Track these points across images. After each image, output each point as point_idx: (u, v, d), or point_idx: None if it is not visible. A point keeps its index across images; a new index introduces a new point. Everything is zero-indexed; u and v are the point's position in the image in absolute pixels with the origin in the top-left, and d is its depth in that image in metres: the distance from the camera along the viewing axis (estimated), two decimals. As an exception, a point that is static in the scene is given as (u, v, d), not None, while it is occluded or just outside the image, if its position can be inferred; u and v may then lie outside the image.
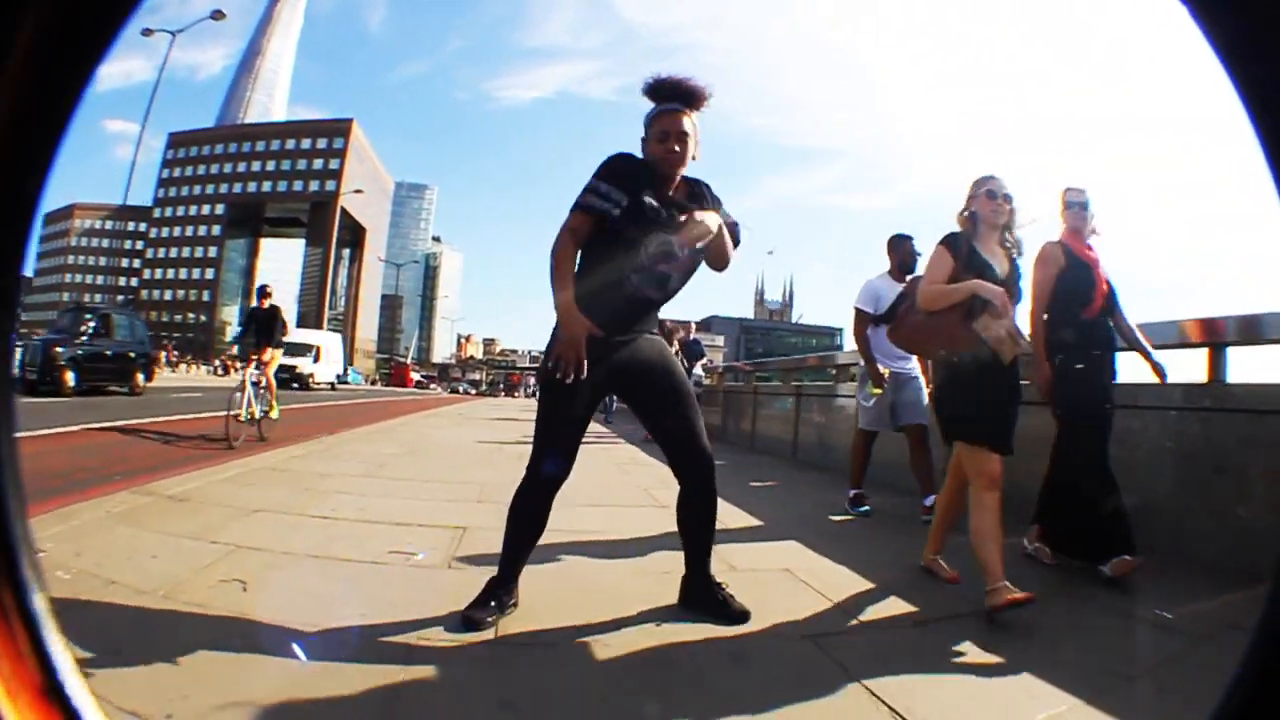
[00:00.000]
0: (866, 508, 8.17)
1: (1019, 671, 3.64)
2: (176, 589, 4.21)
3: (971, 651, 3.92)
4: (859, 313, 8.15)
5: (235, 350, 16.48)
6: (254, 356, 13.56)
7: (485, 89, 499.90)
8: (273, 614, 3.88)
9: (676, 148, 4.01)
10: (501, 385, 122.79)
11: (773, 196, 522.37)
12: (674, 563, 4.46)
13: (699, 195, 4.17)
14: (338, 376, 65.59)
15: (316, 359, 57.46)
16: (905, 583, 5.18)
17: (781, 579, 5.16)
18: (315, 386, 55.30)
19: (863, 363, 8.30)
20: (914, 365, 8.18)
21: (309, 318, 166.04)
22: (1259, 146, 1.10)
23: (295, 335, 60.51)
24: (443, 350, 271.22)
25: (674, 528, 4.36)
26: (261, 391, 13.45)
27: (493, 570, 4.14)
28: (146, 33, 47.85)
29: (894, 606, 4.68)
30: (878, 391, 8.05)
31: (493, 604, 3.96)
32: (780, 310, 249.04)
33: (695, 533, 4.28)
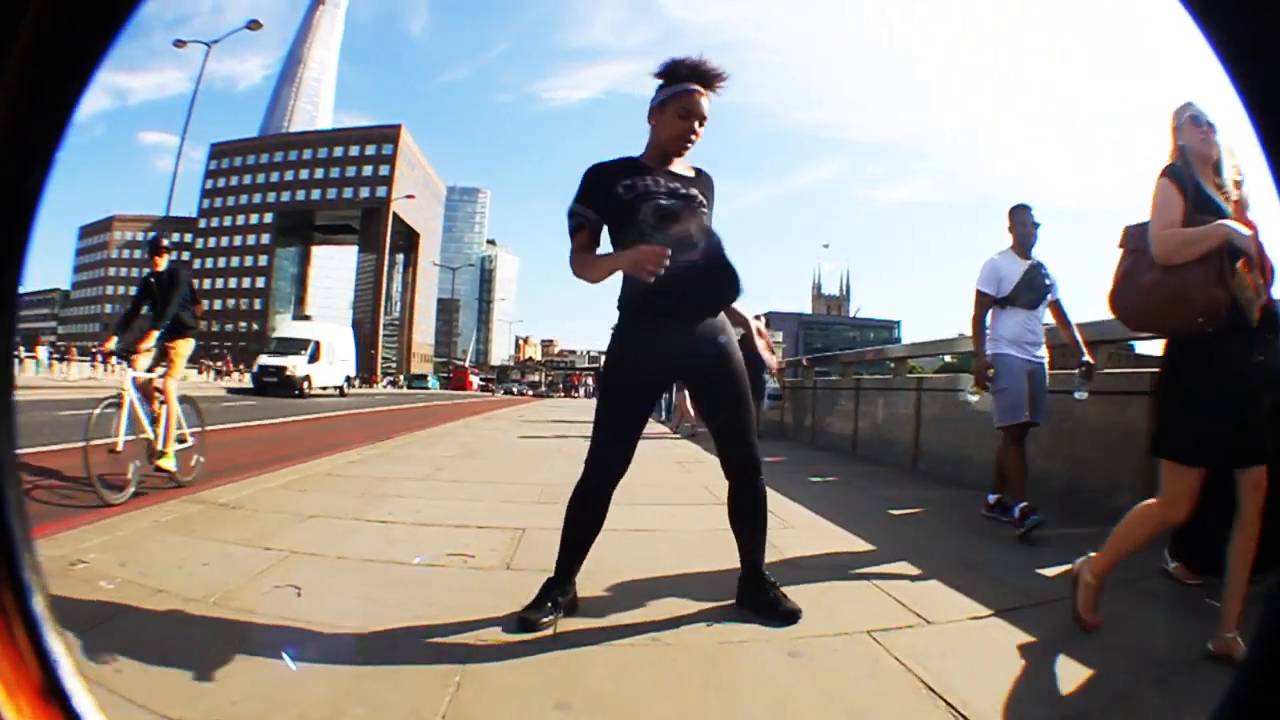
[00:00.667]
0: (1036, 517, 6.49)
1: (1073, 664, 3.62)
2: (228, 596, 4.23)
3: (1030, 646, 3.88)
4: (979, 296, 7.25)
5: (112, 343, 8.70)
6: (140, 351, 8.46)
7: (531, 91, 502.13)
8: (327, 619, 3.92)
9: (698, 126, 4.06)
10: (560, 385, 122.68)
11: (823, 189, 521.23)
12: (735, 559, 4.36)
13: (703, 182, 4.21)
14: (348, 379, 51.36)
15: (315, 358, 44.56)
16: (968, 579, 5.09)
17: (841, 574, 5.13)
18: (311, 393, 42.53)
19: (994, 353, 7.14)
20: (1044, 353, 7.21)
21: (364, 324, 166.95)
22: (1259, 146, 1.11)
23: (288, 328, 54.68)
24: (501, 353, 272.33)
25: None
26: (159, 411, 8.42)
27: (550, 571, 4.12)
28: (179, 44, 48.03)
29: (953, 600, 4.62)
30: (978, 394, 7.25)
31: (549, 605, 3.96)
32: (838, 302, 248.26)
33: (744, 531, 4.27)
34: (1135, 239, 4.19)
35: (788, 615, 4.08)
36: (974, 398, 7.39)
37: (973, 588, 4.82)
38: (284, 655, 3.40)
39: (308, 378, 42.86)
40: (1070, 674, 3.53)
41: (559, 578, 4.07)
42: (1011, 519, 6.68)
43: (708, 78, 4.04)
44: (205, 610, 3.97)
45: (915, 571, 5.26)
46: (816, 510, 7.45)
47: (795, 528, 6.64)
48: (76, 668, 1.18)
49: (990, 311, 7.24)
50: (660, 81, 4.11)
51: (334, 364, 47.73)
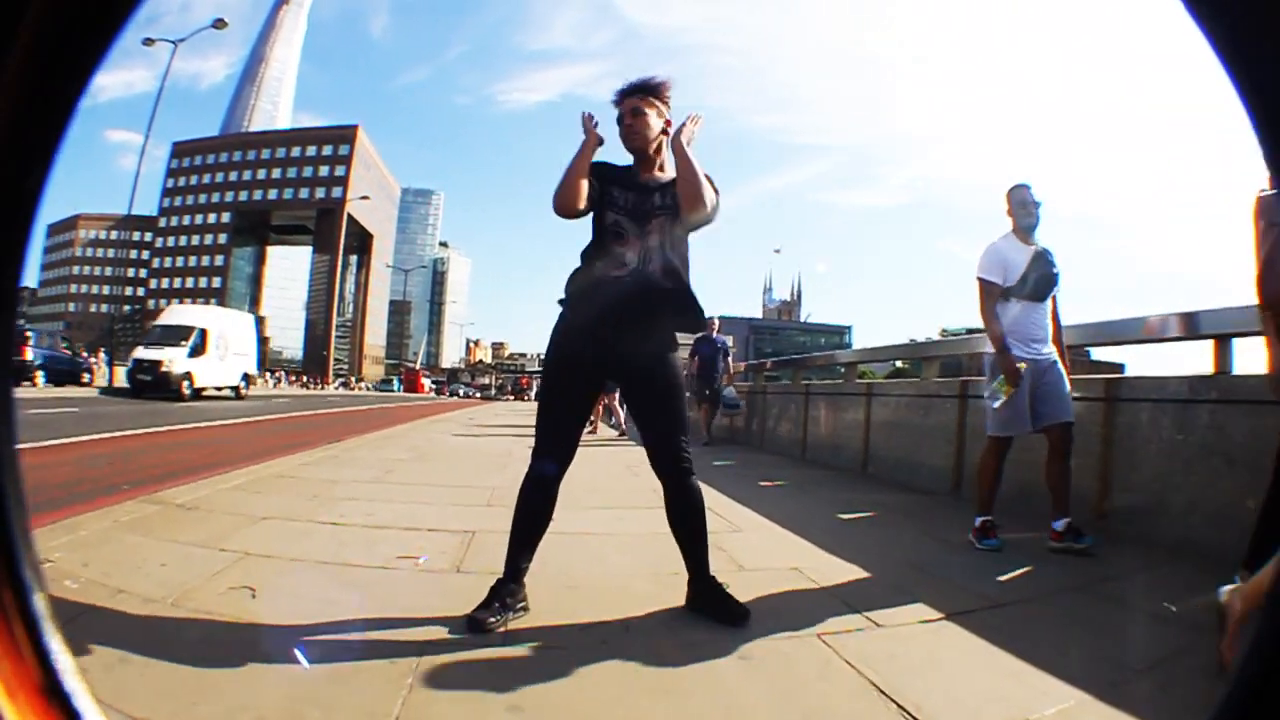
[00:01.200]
0: (996, 540, 6.31)
1: (1030, 667, 3.61)
2: (185, 596, 4.22)
3: (982, 648, 3.89)
4: (985, 286, 6.53)
5: None
6: None
7: (488, 93, 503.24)
8: (281, 619, 3.94)
9: (628, 122, 4.33)
10: (510, 388, 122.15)
11: (775, 193, 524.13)
12: (682, 564, 4.40)
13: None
14: (246, 378, 40.01)
15: (199, 350, 34.78)
16: (919, 583, 5.15)
17: (790, 578, 5.14)
18: (193, 396, 33.43)
19: (990, 351, 6.60)
20: (1052, 350, 6.59)
21: (317, 325, 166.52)
22: (1259, 146, 1.09)
23: (171, 314, 41.08)
24: (452, 355, 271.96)
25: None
26: None
27: (501, 573, 4.15)
28: (148, 42, 47.77)
29: (903, 604, 4.61)
30: (1008, 391, 6.37)
31: (497, 605, 3.98)
32: (788, 308, 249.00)
33: (683, 533, 4.32)
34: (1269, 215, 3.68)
35: (737, 616, 4.11)
36: (999, 401, 6.49)
37: (923, 591, 4.84)
38: (240, 656, 3.39)
39: (188, 375, 33.26)
40: (1025, 677, 3.54)
41: (507, 577, 4.11)
42: (1075, 544, 6.11)
43: (631, 88, 4.38)
44: (164, 610, 3.98)
45: (865, 575, 5.27)
46: (766, 514, 7.48)
47: (744, 531, 6.70)
48: (76, 667, 1.19)
49: (998, 303, 6.54)
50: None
51: (226, 359, 37.25)
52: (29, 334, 40.79)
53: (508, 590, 4.06)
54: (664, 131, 4.40)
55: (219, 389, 36.77)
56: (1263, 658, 1.09)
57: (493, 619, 3.89)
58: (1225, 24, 1.12)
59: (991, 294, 6.50)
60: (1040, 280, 6.55)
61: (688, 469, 4.26)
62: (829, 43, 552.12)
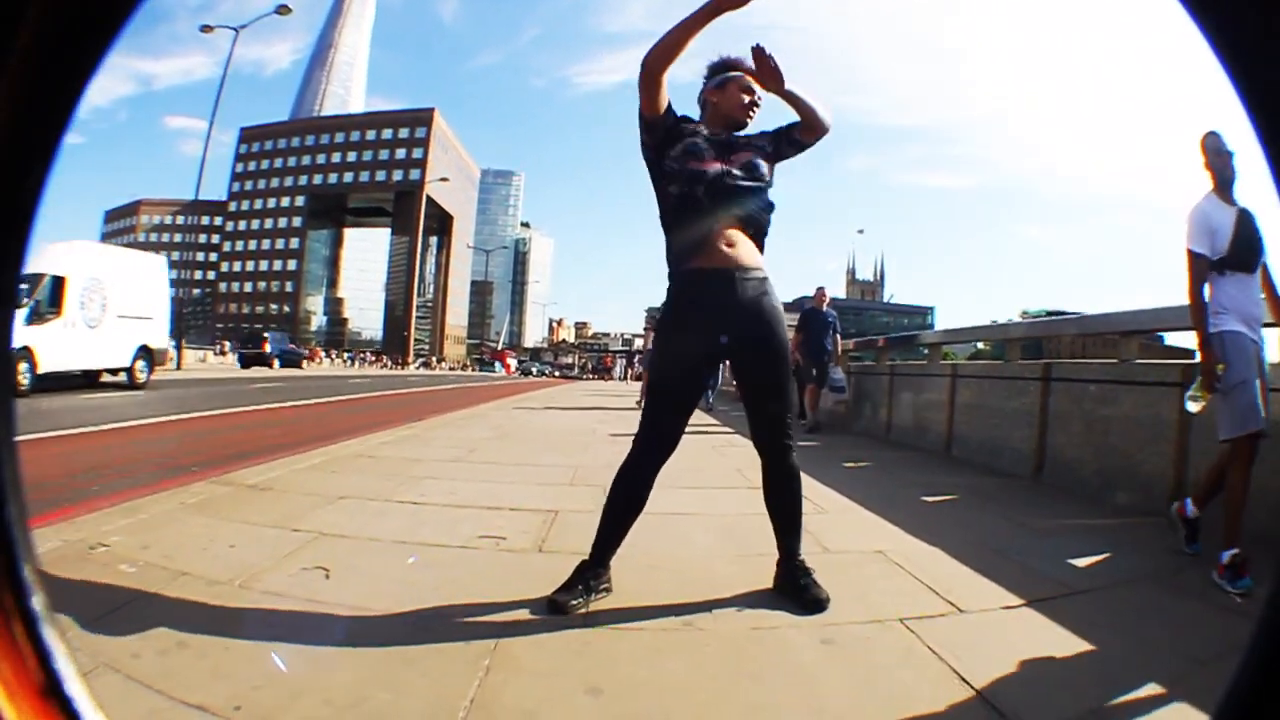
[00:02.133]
0: (1249, 580, 4.76)
1: (1102, 656, 3.62)
2: (254, 578, 4.23)
3: (1057, 635, 3.86)
4: (1194, 260, 5.38)
5: None
6: None
7: (564, 75, 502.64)
8: (355, 601, 3.92)
9: (759, 103, 4.38)
10: (592, 368, 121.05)
11: (857, 174, 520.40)
12: (770, 545, 4.39)
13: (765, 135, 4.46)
14: (148, 355, 25.21)
15: (48, 310, 20.89)
16: (1001, 568, 5.06)
17: (875, 561, 5.12)
18: (24, 387, 18.55)
19: (1225, 330, 5.28)
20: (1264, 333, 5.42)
21: (397, 305, 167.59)
22: (1259, 145, 1.08)
23: (38, 257, 22.29)
24: (535, 334, 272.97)
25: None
26: None
27: (583, 554, 4.17)
28: (206, 29, 48.16)
29: (986, 588, 4.60)
30: (1205, 397, 5.32)
31: (580, 587, 3.97)
32: (871, 288, 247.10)
33: (778, 513, 4.30)
34: None
35: (816, 604, 4.05)
36: (1197, 406, 5.46)
37: (1005, 576, 4.79)
38: (309, 639, 3.44)
39: (28, 352, 19.34)
40: (1102, 668, 3.51)
41: (593, 560, 4.10)
42: (1233, 583, 4.79)
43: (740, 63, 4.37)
44: (230, 593, 3.97)
45: (948, 559, 5.21)
46: (851, 496, 7.41)
47: (829, 513, 6.63)
48: (77, 668, 1.18)
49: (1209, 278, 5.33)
50: (715, 71, 4.46)
51: (103, 324, 23.00)
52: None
53: (592, 573, 4.06)
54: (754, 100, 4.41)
55: (95, 372, 23.54)
56: (1263, 657, 1.09)
57: (575, 601, 3.89)
58: (1224, 23, 1.10)
59: (1199, 269, 5.36)
60: (1250, 247, 5.38)
61: (790, 446, 4.21)
62: (908, 25, 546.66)
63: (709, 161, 4.13)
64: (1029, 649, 3.66)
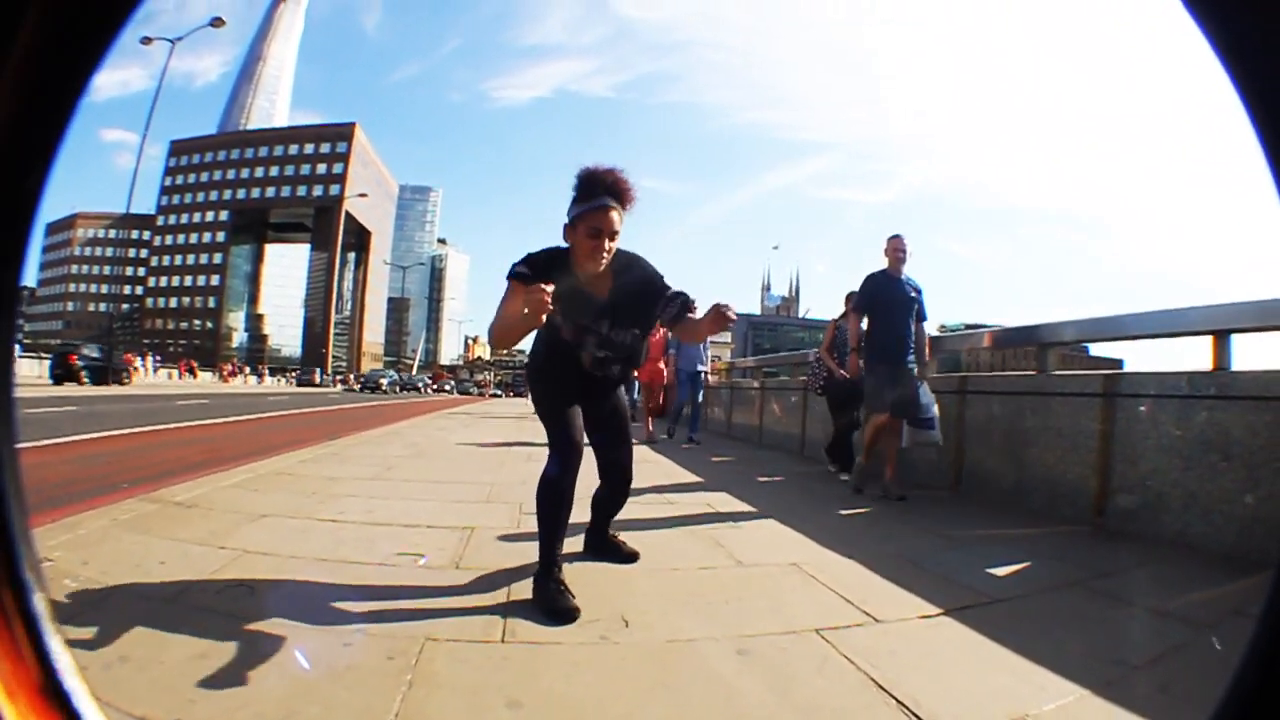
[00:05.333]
0: None
1: (1028, 664, 3.63)
2: (184, 594, 4.27)
3: (981, 644, 3.91)
4: None
5: None
6: None
7: (482, 89, 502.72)
8: (281, 616, 3.93)
9: (608, 244, 4.21)
10: (511, 385, 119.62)
11: (772, 190, 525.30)
12: (682, 560, 5.09)
13: (628, 267, 4.46)
14: None
15: None
16: (917, 578, 5.13)
17: (790, 573, 5.18)
18: None
19: None
20: None
21: (315, 322, 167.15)
22: (1259, 145, 1.09)
23: None
24: (450, 352, 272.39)
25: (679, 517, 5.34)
26: None
27: (499, 567, 4.67)
28: (145, 41, 48.23)
29: (902, 598, 4.67)
30: None
31: (563, 588, 4.20)
32: (787, 304, 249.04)
33: (606, 512, 5.22)
34: None
35: (630, 556, 5.24)
36: None
37: (922, 586, 4.87)
38: (239, 654, 3.41)
39: None
40: (1023, 672, 3.56)
41: (548, 564, 4.31)
42: None
43: (622, 195, 4.21)
44: (163, 609, 4.00)
45: (863, 569, 5.32)
46: (757, 504, 7.74)
47: (742, 528, 6.74)
48: (76, 667, 1.20)
49: None
50: (574, 194, 4.27)
51: None
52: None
53: (553, 576, 4.28)
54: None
55: None
56: (1262, 657, 1.08)
57: (573, 601, 4.12)
58: (1225, 23, 1.11)
59: None
60: None
61: (629, 481, 5.07)
62: (823, 40, 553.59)
63: (573, 334, 4.49)
64: (948, 657, 3.76)
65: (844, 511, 8.04)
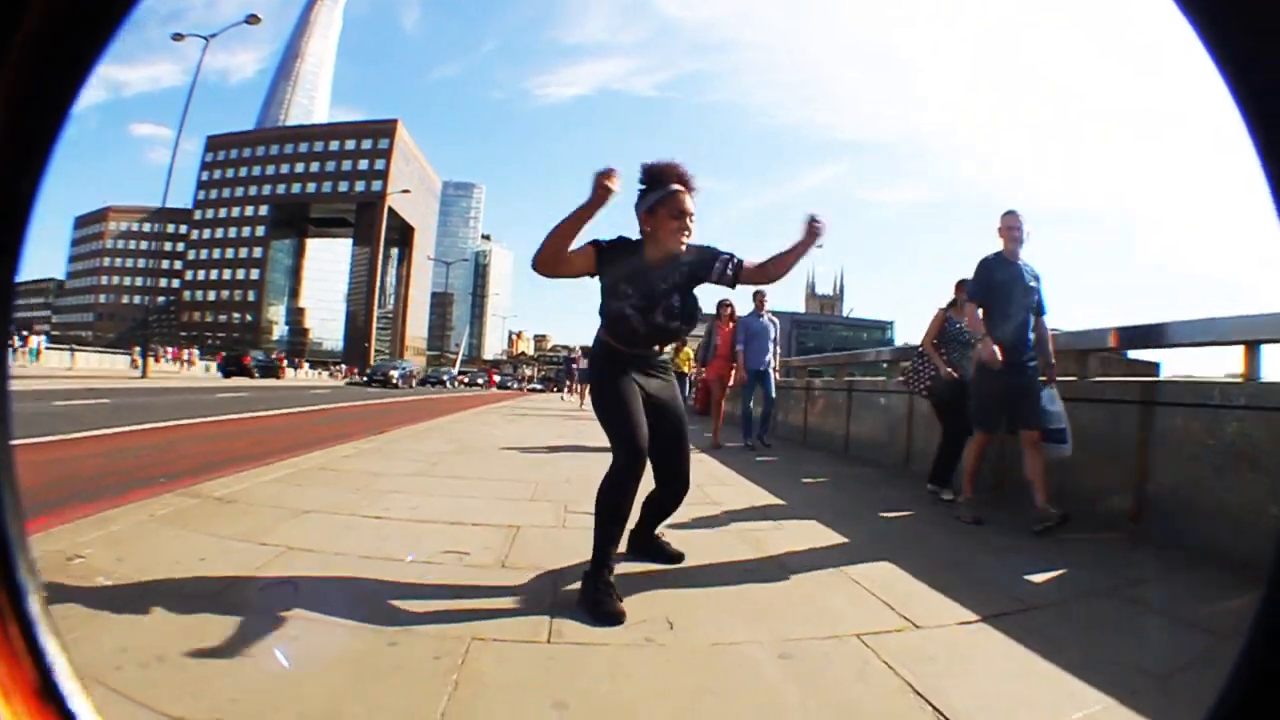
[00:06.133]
0: None
1: (1058, 671, 3.69)
2: (225, 592, 4.31)
3: (1013, 650, 3.97)
4: None
5: None
6: None
7: (524, 87, 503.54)
8: (325, 615, 4.00)
9: (689, 223, 4.62)
10: (555, 380, 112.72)
11: (815, 189, 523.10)
12: (730, 552, 5.38)
13: (701, 252, 4.75)
14: None
15: None
16: (955, 584, 5.16)
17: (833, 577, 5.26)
18: None
19: None
20: None
21: (358, 316, 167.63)
22: (1254, 150, 1.10)
23: None
24: (494, 346, 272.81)
25: (724, 520, 5.43)
26: None
27: (546, 567, 4.83)
28: (177, 37, 48.49)
29: (941, 604, 4.73)
30: None
31: (613, 590, 4.31)
32: (831, 302, 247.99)
33: (657, 515, 5.28)
34: None
35: (676, 556, 5.37)
36: None
37: (960, 592, 4.92)
38: (279, 653, 3.49)
39: None
40: (1056, 682, 3.60)
41: (599, 567, 4.42)
42: None
43: (686, 180, 4.64)
44: (203, 606, 4.02)
45: (904, 574, 5.36)
46: (809, 510, 7.61)
47: (785, 529, 6.78)
48: (72, 668, 1.19)
49: None
50: (642, 187, 4.67)
51: None
52: None
53: (605, 579, 4.38)
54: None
55: None
56: (1260, 655, 1.10)
57: (619, 604, 4.22)
58: (1221, 24, 1.11)
59: None
60: None
61: (686, 485, 5.09)
62: (867, 38, 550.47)
63: (638, 304, 4.65)
64: (984, 664, 3.82)
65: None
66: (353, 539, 5.68)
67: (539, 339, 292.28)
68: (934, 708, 3.17)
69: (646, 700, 3.21)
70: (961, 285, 8.84)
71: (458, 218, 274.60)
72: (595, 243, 4.49)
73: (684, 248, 4.63)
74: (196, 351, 70.41)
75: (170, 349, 71.30)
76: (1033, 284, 7.61)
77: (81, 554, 4.79)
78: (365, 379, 71.52)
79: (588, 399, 29.48)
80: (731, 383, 14.93)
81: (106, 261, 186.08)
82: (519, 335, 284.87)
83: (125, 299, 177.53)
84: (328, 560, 5.08)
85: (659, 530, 5.46)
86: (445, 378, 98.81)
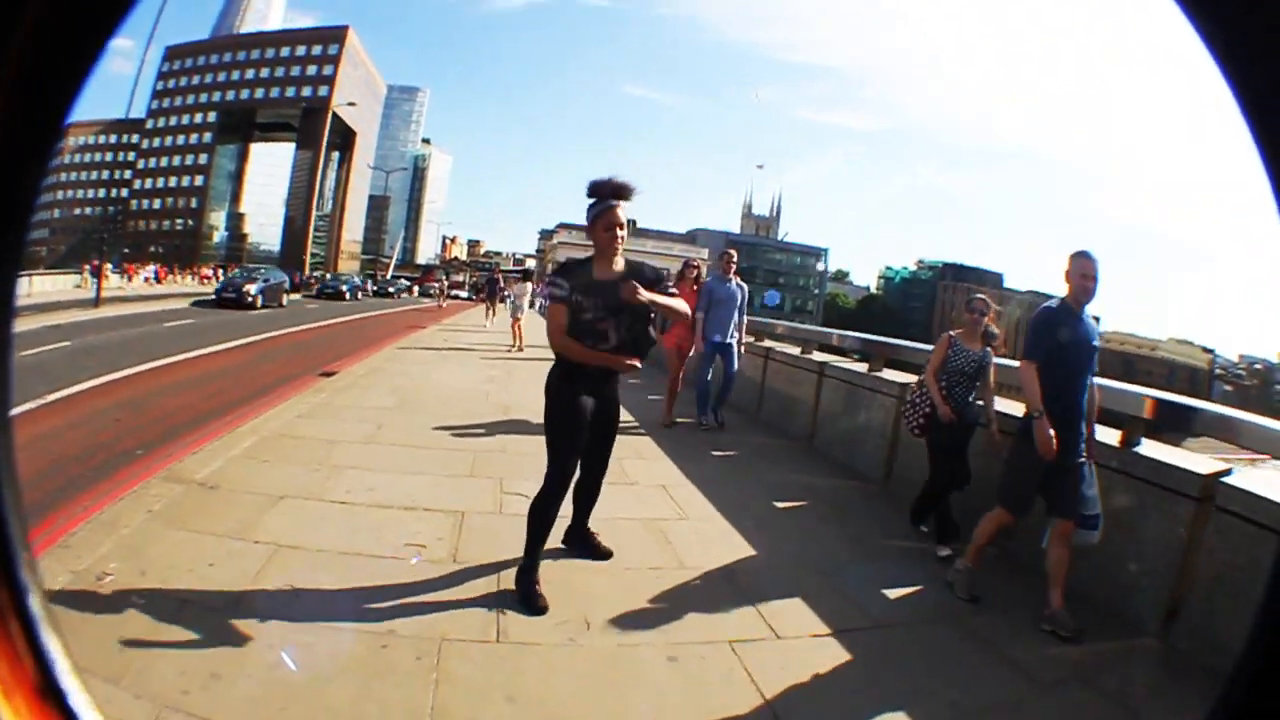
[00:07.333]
0: None
1: (880, 693, 4.78)
2: (240, 601, 5.14)
3: (853, 669, 5.05)
4: None
5: None
6: None
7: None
8: (328, 620, 5.03)
9: (620, 234, 5.56)
10: (482, 288, 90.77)
11: (759, 108, 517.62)
12: (660, 558, 6.57)
13: (636, 271, 5.63)
14: None
15: None
16: (821, 593, 6.15)
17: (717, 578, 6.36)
18: None
19: None
20: None
21: (296, 220, 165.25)
22: (1256, 150, 1.13)
23: None
24: (427, 251, 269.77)
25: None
26: None
27: (488, 560, 6.12)
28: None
29: (803, 615, 5.76)
30: None
31: (537, 586, 5.53)
32: (767, 224, 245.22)
33: (584, 503, 6.31)
34: None
35: (605, 554, 6.37)
36: None
37: (821, 603, 5.94)
38: (286, 656, 4.50)
39: None
40: (876, 701, 4.68)
41: (530, 565, 5.65)
42: None
43: (622, 192, 5.57)
44: (228, 617, 4.88)
45: (781, 577, 6.42)
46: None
47: (689, 519, 7.85)
48: (73, 666, 1.21)
49: None
50: (590, 200, 5.61)
51: None
52: None
53: (533, 575, 5.61)
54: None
55: None
56: (1260, 655, 1.13)
57: (540, 599, 5.46)
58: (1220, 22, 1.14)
59: None
60: None
61: (603, 478, 6.22)
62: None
63: (597, 321, 5.54)
64: (826, 679, 4.88)
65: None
66: (328, 532, 6.61)
67: (473, 244, 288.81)
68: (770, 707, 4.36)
69: (571, 693, 4.44)
70: (973, 306, 7.82)
71: (399, 121, 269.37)
72: (556, 298, 5.54)
73: (619, 259, 5.60)
74: (151, 269, 69.39)
75: (126, 265, 69.88)
76: (1096, 344, 6.41)
77: (108, 570, 5.42)
78: (316, 292, 70.62)
79: (499, 317, 29.15)
80: (691, 352, 13.40)
81: (64, 176, 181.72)
82: (453, 240, 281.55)
83: (77, 211, 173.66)
84: (314, 560, 5.97)
85: (592, 527, 6.43)
86: (392, 290, 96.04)
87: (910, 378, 9.62)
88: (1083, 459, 6.18)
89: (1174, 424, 6.99)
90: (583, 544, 6.42)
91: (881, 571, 6.88)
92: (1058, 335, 6.17)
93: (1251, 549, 5.35)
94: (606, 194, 5.56)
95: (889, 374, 11.07)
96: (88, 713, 1.19)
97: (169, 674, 4.21)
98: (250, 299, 42.86)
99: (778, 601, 5.92)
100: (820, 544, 7.52)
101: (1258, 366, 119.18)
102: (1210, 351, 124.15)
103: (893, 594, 6.43)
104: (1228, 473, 5.97)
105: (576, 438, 5.66)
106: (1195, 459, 6.40)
